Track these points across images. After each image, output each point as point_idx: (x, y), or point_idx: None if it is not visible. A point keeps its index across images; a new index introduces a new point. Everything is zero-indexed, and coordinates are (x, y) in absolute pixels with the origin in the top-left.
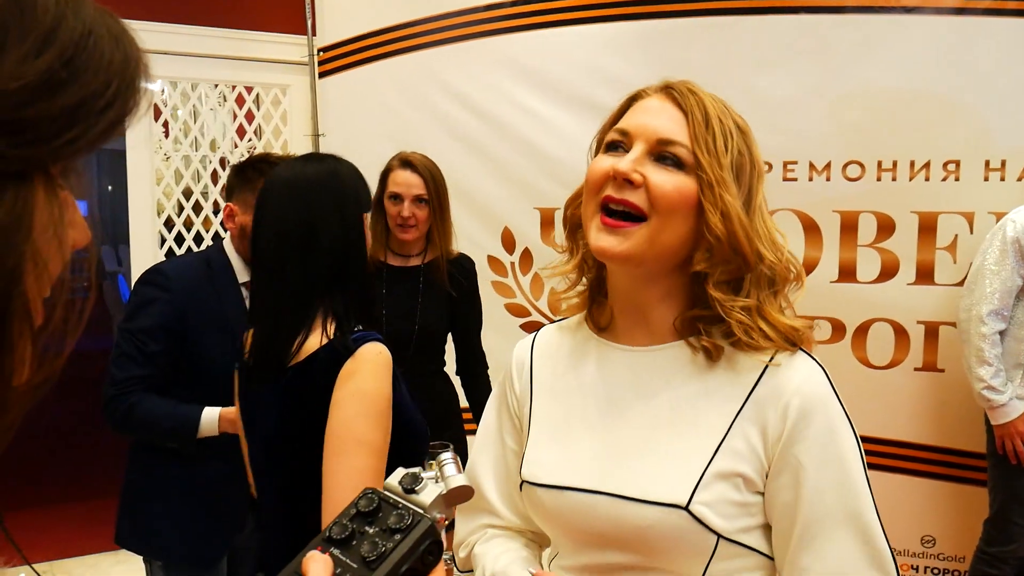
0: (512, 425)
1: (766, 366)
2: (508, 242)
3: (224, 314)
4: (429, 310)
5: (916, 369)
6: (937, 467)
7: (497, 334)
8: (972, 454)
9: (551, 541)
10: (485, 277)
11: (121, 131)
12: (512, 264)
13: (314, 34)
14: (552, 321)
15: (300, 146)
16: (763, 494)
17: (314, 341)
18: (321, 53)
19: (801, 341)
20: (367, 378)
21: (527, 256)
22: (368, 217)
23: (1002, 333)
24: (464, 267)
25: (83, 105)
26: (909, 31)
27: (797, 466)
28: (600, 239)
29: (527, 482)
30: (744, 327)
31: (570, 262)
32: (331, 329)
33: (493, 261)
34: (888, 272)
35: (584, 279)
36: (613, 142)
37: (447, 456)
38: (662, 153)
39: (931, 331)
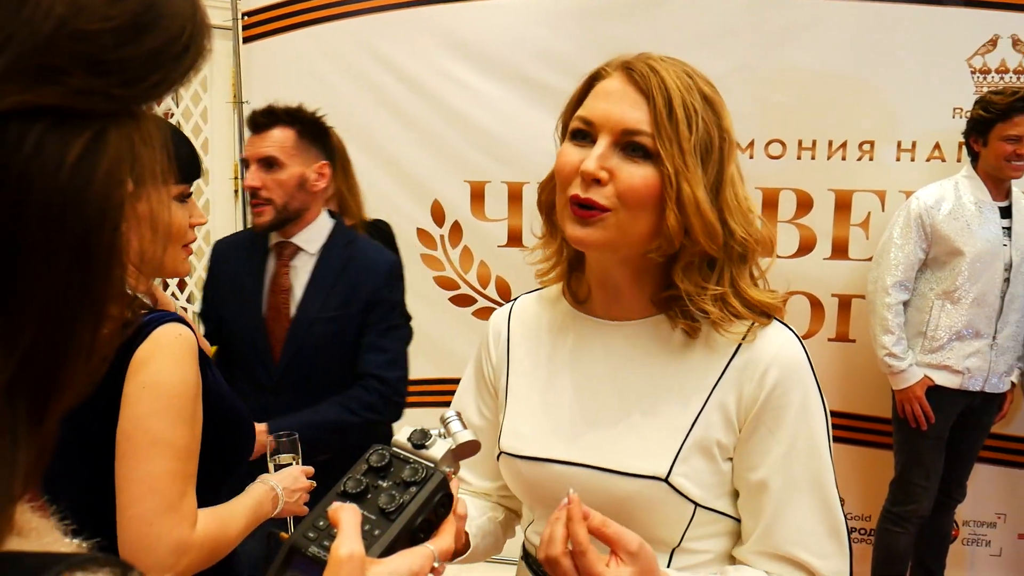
0: (488, 394)
1: (742, 338)
2: (438, 215)
3: (241, 280)
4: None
5: (830, 339)
6: (847, 432)
7: (426, 307)
8: (879, 419)
9: (527, 509)
10: (415, 250)
11: (194, 76)
12: (442, 237)
13: None
14: (484, 297)
15: (221, 113)
16: (731, 460)
17: None
18: (245, 17)
19: (775, 312)
20: (164, 367)
21: (456, 229)
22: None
23: (905, 304)
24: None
25: (164, 49)
26: (830, 17)
27: (766, 433)
28: (575, 230)
29: (505, 453)
30: (718, 315)
31: (551, 245)
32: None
33: (422, 233)
34: (806, 247)
35: (561, 256)
36: (578, 130)
37: (451, 414)
38: (629, 143)
39: (844, 303)
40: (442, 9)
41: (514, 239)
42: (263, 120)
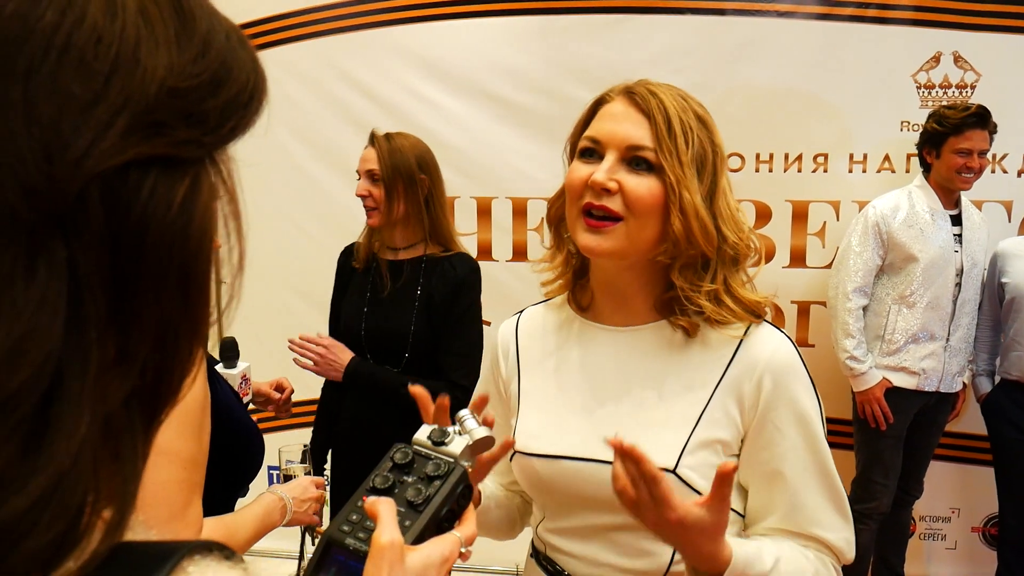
0: (500, 401)
1: (739, 343)
2: None
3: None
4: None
5: None
6: None
7: None
8: (839, 420)
9: (538, 507)
10: None
11: (258, 120)
12: None
13: None
14: None
15: None
16: (738, 456)
17: None
18: None
19: (762, 312)
20: None
21: None
22: None
23: (864, 308)
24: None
25: (235, 99)
26: (780, 35)
27: (773, 430)
28: (587, 239)
29: (520, 452)
30: (712, 309)
31: (557, 257)
32: None
33: None
34: (766, 256)
35: (567, 267)
36: (586, 148)
37: (466, 412)
38: (633, 158)
39: (803, 310)
40: (409, 29)
41: (483, 252)
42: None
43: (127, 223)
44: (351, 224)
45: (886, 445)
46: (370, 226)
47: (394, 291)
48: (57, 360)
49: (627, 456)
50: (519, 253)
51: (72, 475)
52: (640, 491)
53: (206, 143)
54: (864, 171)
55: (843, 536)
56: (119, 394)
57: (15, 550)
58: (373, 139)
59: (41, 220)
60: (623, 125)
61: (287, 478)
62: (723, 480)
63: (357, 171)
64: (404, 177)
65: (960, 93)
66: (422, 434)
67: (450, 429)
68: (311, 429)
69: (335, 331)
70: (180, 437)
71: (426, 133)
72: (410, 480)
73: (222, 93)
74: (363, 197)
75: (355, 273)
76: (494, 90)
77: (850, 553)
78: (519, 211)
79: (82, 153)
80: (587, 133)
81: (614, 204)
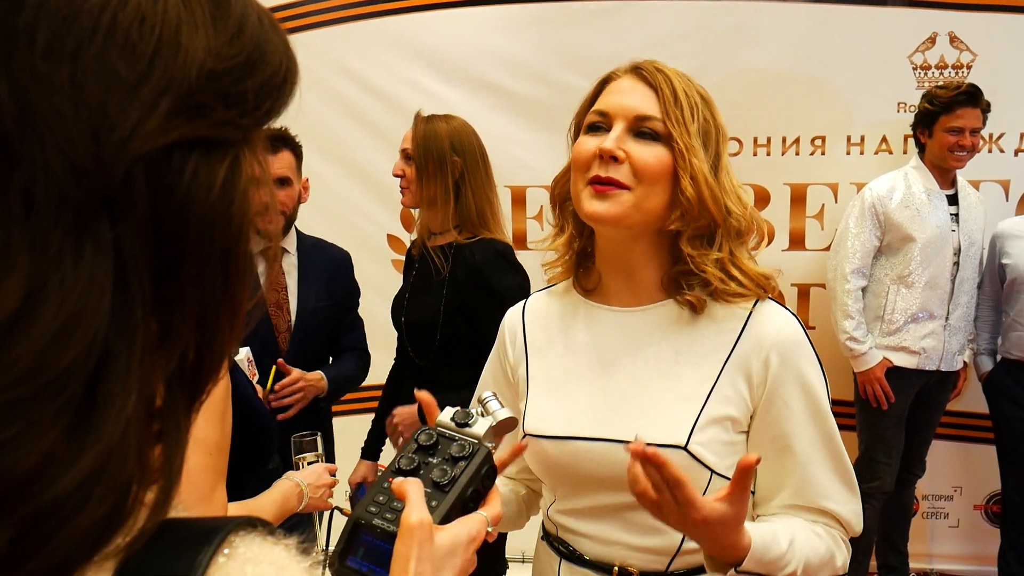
0: (507, 386)
1: (746, 319)
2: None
3: None
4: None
5: None
6: None
7: None
8: (841, 402)
9: (548, 489)
10: (386, 256)
11: (290, 103)
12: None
13: None
14: None
15: None
16: (747, 432)
17: None
18: None
19: (769, 288)
20: None
21: None
22: None
23: (863, 290)
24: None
25: (270, 81)
26: (776, 19)
27: (782, 406)
28: (592, 205)
29: (530, 435)
30: (719, 277)
31: (560, 237)
32: None
33: (393, 240)
34: (765, 239)
35: (570, 249)
36: (593, 123)
37: (488, 394)
38: (640, 128)
39: (803, 292)
40: (404, 19)
41: None
42: (275, 143)
43: (171, 205)
44: (346, 214)
45: (888, 425)
46: (403, 205)
47: (426, 279)
48: (104, 339)
49: (648, 460)
50: (519, 241)
51: (120, 451)
52: (663, 494)
53: (243, 125)
54: (862, 153)
55: (852, 508)
56: (162, 374)
57: (67, 526)
58: (417, 122)
59: (88, 200)
60: (631, 97)
61: (299, 466)
62: (744, 473)
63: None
64: (435, 158)
65: (956, 73)
66: (445, 416)
67: (473, 411)
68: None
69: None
70: (208, 424)
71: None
72: (435, 461)
73: (257, 75)
74: (399, 176)
75: (413, 261)
76: (491, 79)
77: (858, 525)
78: (518, 200)
79: (128, 134)
80: (595, 107)
81: (621, 174)
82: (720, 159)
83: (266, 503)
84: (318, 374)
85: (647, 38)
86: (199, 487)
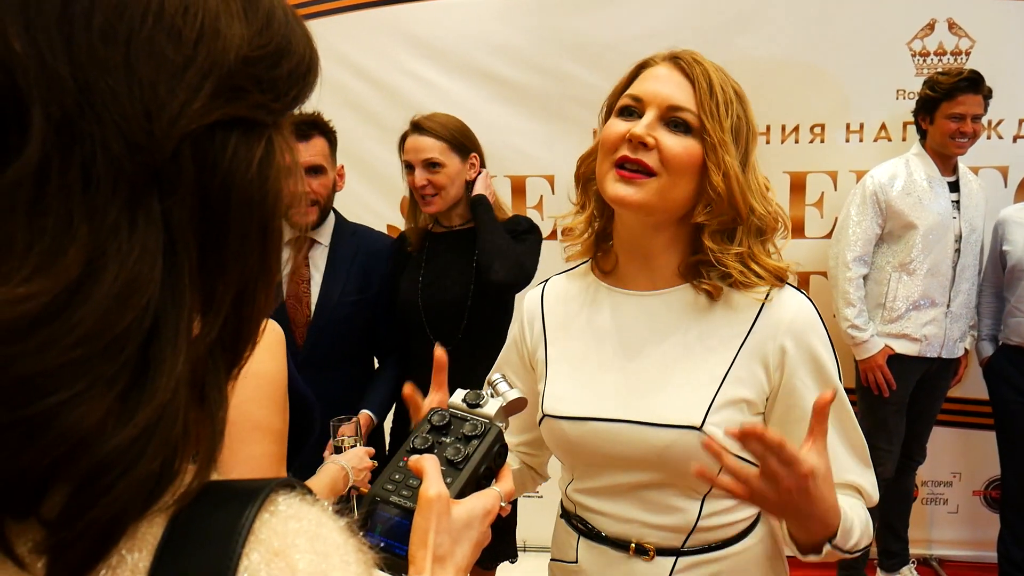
0: (525, 369)
1: (761, 305)
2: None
3: None
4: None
5: None
6: None
7: None
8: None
9: (567, 469)
10: None
11: (313, 91)
12: None
13: None
14: None
15: None
16: (763, 414)
17: None
18: None
19: (786, 277)
20: (262, 357)
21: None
22: None
23: (865, 277)
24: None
25: (296, 69)
26: (777, 5)
27: (801, 387)
28: (617, 189)
29: (549, 416)
30: (739, 270)
31: (582, 214)
32: None
33: (392, 230)
34: None
35: (590, 228)
36: (626, 107)
37: (497, 376)
38: (672, 119)
39: (803, 280)
40: (401, 9)
41: None
42: (307, 129)
43: (214, 180)
44: (345, 203)
45: (889, 412)
46: (428, 213)
47: (449, 262)
48: (156, 305)
49: (747, 439)
50: None
51: (171, 410)
52: (769, 462)
53: (275, 109)
54: (861, 140)
55: (870, 480)
56: (206, 340)
57: (123, 479)
58: (420, 127)
59: (141, 175)
60: (666, 86)
61: (339, 450)
62: (820, 414)
63: (407, 161)
64: (473, 147)
65: (955, 60)
66: (456, 398)
67: (484, 392)
68: None
69: (395, 312)
70: (271, 413)
71: (420, 112)
72: (448, 440)
73: (284, 63)
74: (421, 187)
75: (409, 256)
76: (490, 69)
77: (876, 496)
78: (518, 189)
79: (177, 112)
80: (629, 91)
81: (649, 159)
82: (749, 156)
83: (317, 486)
84: (367, 416)
85: (644, 26)
86: (266, 473)
